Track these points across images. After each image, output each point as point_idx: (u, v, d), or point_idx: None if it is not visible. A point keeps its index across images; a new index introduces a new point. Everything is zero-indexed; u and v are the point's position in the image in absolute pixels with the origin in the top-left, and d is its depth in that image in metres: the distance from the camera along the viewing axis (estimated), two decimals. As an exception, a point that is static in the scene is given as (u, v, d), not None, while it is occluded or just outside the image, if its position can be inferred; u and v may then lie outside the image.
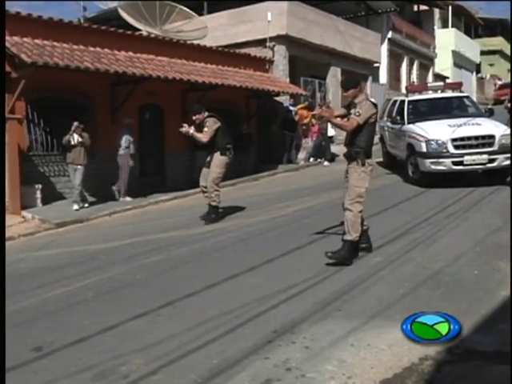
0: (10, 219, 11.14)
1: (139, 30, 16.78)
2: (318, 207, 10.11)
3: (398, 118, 12.92)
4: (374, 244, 6.79)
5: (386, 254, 6.59)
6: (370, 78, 26.19)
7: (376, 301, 5.12)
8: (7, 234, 9.90)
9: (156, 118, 15.13)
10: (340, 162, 17.66)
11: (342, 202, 6.53)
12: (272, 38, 19.31)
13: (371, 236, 6.72)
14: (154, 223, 9.90)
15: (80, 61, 12.60)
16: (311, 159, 18.49)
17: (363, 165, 6.34)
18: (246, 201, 11.87)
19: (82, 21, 21.49)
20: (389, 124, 13.95)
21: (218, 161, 9.32)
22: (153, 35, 16.42)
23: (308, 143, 18.90)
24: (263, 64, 19.32)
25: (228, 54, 18.11)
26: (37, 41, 12.71)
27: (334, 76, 23.19)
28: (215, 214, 9.53)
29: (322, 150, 18.28)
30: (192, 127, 9.42)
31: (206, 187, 9.46)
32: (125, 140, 13.11)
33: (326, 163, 17.77)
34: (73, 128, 11.90)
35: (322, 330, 4.53)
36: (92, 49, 13.81)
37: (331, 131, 18.00)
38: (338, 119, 6.69)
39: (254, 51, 19.27)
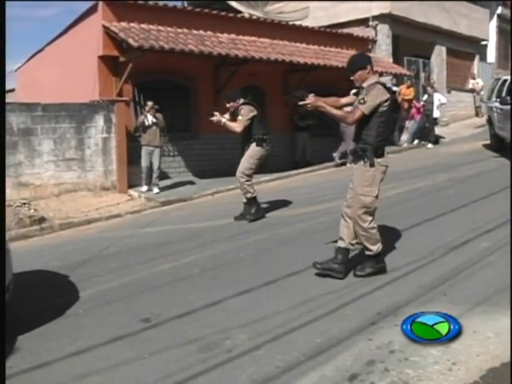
0: (117, 197, 11.68)
1: (241, 12, 16.89)
2: (423, 190, 9.83)
3: (508, 98, 12.31)
4: (482, 228, 6.54)
5: (495, 239, 6.28)
6: (477, 57, 25.12)
7: (483, 287, 4.92)
8: (115, 212, 10.39)
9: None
10: (445, 145, 17.22)
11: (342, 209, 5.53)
12: (375, 17, 18.93)
13: (479, 220, 6.43)
14: (256, 203, 9.99)
15: (184, 44, 12.87)
16: (415, 141, 17.99)
17: (371, 166, 5.22)
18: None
19: (185, 5, 21.89)
20: (497, 105, 13.33)
21: (253, 151, 8.40)
22: (254, 17, 16.50)
23: (411, 124, 18.40)
24: (366, 44, 18.90)
25: (330, 35, 17.87)
26: (143, 25, 13.09)
27: (439, 55, 22.42)
28: (255, 205, 8.58)
29: (425, 132, 17.76)
30: (226, 115, 8.66)
31: None
32: None
33: (429, 145, 17.25)
34: (147, 108, 11.90)
35: (426, 314, 4.43)
36: (195, 32, 14.06)
37: (436, 112, 17.46)
38: (336, 110, 5.30)
39: (356, 31, 18.90)
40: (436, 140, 17.66)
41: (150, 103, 11.90)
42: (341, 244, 5.44)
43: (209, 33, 14.38)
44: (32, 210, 10.04)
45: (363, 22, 19.14)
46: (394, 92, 5.84)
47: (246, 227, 8.19)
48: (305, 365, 3.76)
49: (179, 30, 13.73)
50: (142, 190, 11.97)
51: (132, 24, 12.93)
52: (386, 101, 5.17)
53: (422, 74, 21.51)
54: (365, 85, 5.23)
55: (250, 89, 15.02)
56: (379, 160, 5.25)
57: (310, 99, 5.20)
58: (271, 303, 4.96)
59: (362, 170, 5.26)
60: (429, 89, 18.06)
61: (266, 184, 12.69)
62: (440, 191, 9.53)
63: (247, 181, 8.43)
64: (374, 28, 19.12)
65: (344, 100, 5.58)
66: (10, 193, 10.99)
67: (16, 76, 19.94)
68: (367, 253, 5.43)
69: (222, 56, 13.22)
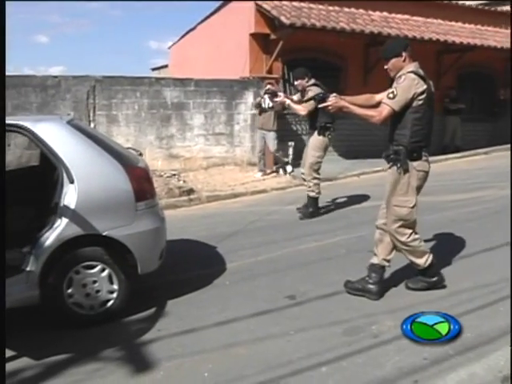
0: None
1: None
2: None
3: None
4: None
5: None
6: None
7: None
8: (261, 187, 10.53)
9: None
10: None
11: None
12: (541, -7, 17.56)
13: None
14: (404, 188, 9.73)
15: (336, 22, 12.75)
16: None
17: (406, 171, 4.53)
18: (502, 171, 11.12)
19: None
20: None
21: (316, 142, 7.84)
22: (408, -5, 15.94)
23: None
24: (528, 23, 17.69)
25: (487, 13, 16.97)
26: (294, 3, 13.10)
27: None
28: (313, 207, 8.05)
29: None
30: (295, 96, 8.18)
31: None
32: None
33: None
34: (263, 91, 11.66)
35: None
36: (347, 9, 13.89)
37: None
38: (361, 109, 4.64)
39: (517, 8, 17.70)
40: None
41: (268, 86, 11.81)
42: (373, 260, 4.89)
43: (361, 11, 14.17)
44: (181, 182, 10.40)
45: (527, -1, 17.84)
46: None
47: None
48: (454, 359, 3.62)
49: (330, 8, 13.64)
50: (256, 176, 11.68)
51: (284, 2, 12.98)
52: (421, 93, 4.45)
53: None
54: (399, 75, 4.56)
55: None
56: (415, 164, 4.55)
57: (331, 100, 4.61)
58: (419, 292, 4.80)
59: (395, 177, 4.59)
60: None
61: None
62: None
63: (314, 178, 7.96)
64: (540, 5, 17.74)
65: (379, 96, 4.86)
66: (161, 164, 11.52)
67: (169, 53, 20.80)
68: (418, 268, 4.83)
69: (373, 34, 12.94)
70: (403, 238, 4.66)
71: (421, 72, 4.53)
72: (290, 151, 12.05)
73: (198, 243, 6.69)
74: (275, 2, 12.82)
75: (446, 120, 15.35)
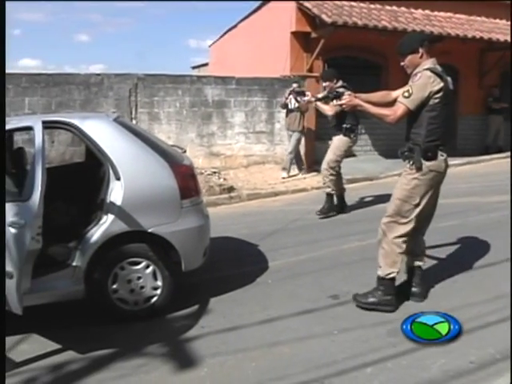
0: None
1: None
2: None
3: None
4: None
5: None
6: None
7: None
8: (301, 186, 10.52)
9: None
10: None
11: None
12: None
13: None
14: (447, 187, 9.45)
15: (377, 20, 12.64)
16: None
17: (419, 169, 4.38)
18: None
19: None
20: None
21: (340, 142, 7.92)
22: (452, -8, 15.71)
23: None
24: None
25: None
26: (336, 1, 13.01)
27: None
28: (330, 202, 8.11)
29: None
30: (320, 95, 8.02)
31: None
32: None
33: None
34: (288, 91, 11.49)
35: None
36: (389, 8, 13.76)
37: None
38: (376, 108, 4.51)
39: None
40: None
41: (294, 85, 11.62)
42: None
43: (402, 9, 14.01)
44: (222, 179, 10.45)
45: None
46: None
47: (437, 211, 7.80)
48: (501, 363, 3.54)
49: (372, 6, 13.53)
50: (282, 176, 11.43)
51: (325, 0, 12.89)
52: (438, 91, 4.26)
53: None
54: (415, 72, 4.37)
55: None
56: (429, 164, 4.37)
57: (346, 98, 4.58)
58: (464, 293, 4.72)
59: (408, 173, 4.47)
60: None
61: (455, 168, 12.10)
62: None
63: (331, 175, 7.96)
64: None
65: (396, 93, 4.69)
66: (202, 161, 11.58)
67: (209, 51, 20.90)
68: (378, 272, 4.58)
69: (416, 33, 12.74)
70: (391, 235, 4.49)
71: (438, 69, 4.36)
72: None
73: (239, 241, 6.72)
74: (317, 1, 12.76)
75: (490, 119, 15.10)
